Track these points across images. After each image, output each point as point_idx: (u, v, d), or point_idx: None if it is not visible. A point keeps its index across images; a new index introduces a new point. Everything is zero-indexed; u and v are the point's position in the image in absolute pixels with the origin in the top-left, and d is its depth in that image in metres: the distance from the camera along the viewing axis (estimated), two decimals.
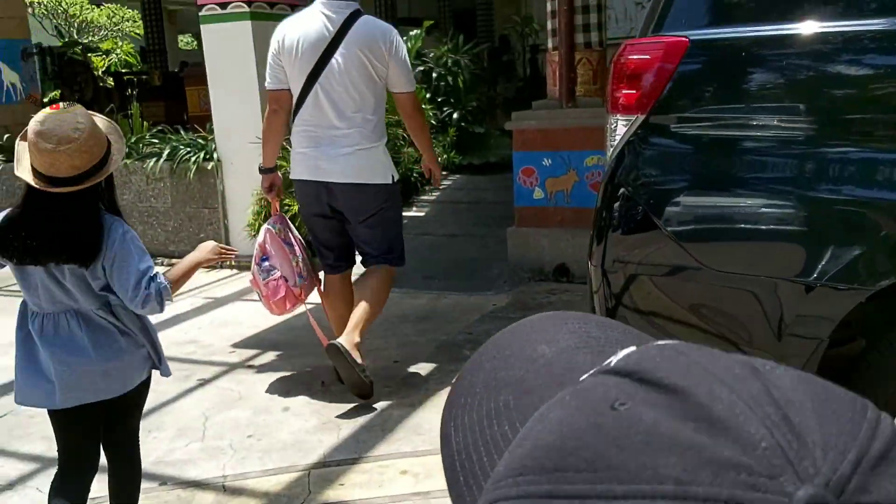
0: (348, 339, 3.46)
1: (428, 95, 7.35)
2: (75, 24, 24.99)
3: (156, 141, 7.18)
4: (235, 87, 6.39)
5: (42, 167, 1.98)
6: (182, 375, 4.19)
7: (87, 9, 24.87)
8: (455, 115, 7.60)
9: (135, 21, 24.06)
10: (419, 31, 7.77)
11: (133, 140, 7.21)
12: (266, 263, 3.67)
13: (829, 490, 0.27)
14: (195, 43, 27.60)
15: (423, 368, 4.02)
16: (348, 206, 3.62)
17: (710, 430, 0.29)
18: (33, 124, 1.99)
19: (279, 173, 4.05)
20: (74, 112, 2.02)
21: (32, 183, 2.01)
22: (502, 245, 5.69)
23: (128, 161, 6.85)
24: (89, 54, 23.29)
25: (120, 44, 24.80)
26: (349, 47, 3.43)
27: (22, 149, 2.06)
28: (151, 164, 6.67)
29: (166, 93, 14.04)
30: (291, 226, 3.88)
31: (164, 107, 13.85)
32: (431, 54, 7.87)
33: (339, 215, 3.68)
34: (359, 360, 3.44)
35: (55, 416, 2.22)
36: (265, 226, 3.81)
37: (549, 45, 5.46)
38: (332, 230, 3.77)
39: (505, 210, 6.68)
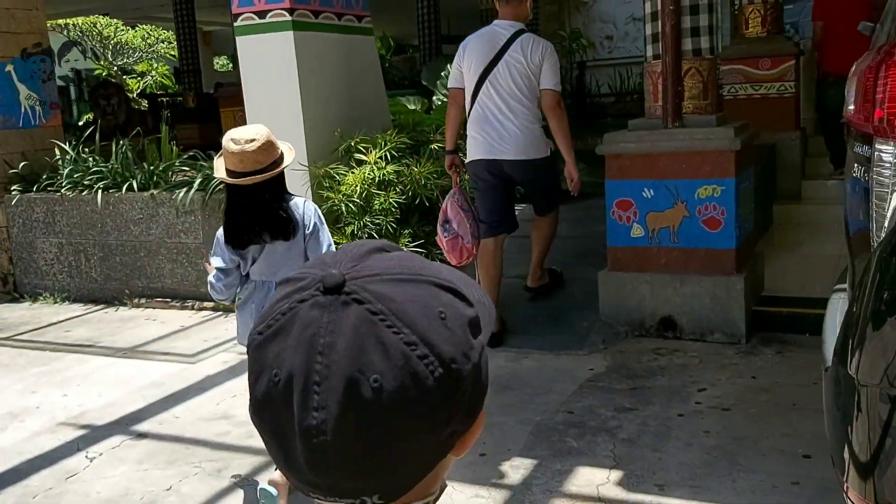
0: (531, 278, 5.07)
1: None
2: (110, 47, 24.69)
3: (186, 168, 6.39)
4: (276, 107, 5.58)
5: (233, 165, 2.62)
6: (213, 468, 3.32)
7: (122, 30, 24.54)
8: None
9: (170, 42, 23.61)
10: None
11: (161, 168, 6.44)
12: (447, 225, 4.50)
13: (342, 268, 0.65)
14: (231, 65, 27.13)
15: (519, 466, 3.10)
16: (518, 176, 4.60)
17: (333, 258, 0.68)
18: (226, 136, 2.65)
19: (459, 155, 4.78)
20: (255, 125, 2.72)
21: (226, 178, 2.65)
22: (589, 290, 4.78)
23: (154, 192, 6.08)
24: (124, 76, 22.92)
25: (155, 65, 24.41)
26: (513, 54, 4.41)
27: (218, 163, 2.73)
28: (181, 194, 5.87)
29: (200, 115, 13.44)
30: (467, 197, 4.64)
31: (197, 129, 13.26)
32: None
33: (506, 184, 4.62)
34: (545, 280, 5.12)
35: None
36: (448, 196, 4.60)
37: (649, 53, 4.57)
38: (498, 198, 4.63)
39: (584, 246, 5.77)
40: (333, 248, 2.70)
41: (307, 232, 2.78)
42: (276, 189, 2.74)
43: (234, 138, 2.62)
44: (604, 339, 4.47)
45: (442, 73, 6.90)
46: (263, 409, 0.65)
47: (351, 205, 5.21)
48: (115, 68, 23.85)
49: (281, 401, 0.63)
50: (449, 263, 4.39)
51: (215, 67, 25.14)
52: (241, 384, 4.31)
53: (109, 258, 6.32)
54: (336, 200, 5.25)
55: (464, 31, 15.18)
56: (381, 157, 5.42)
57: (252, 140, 2.60)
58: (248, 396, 0.69)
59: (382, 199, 5.24)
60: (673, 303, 4.44)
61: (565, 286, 5.25)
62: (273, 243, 2.74)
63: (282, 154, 2.73)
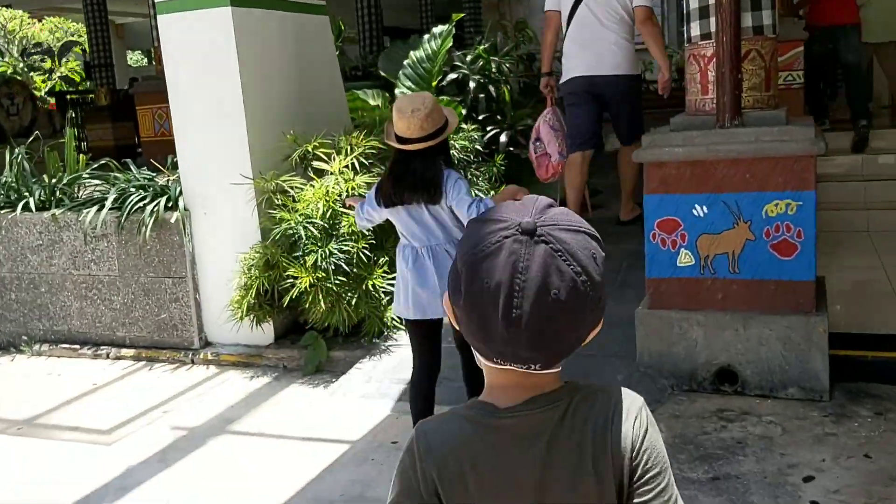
0: (624, 211, 5.32)
1: (464, 111, 5.48)
2: (16, 42, 22.85)
3: (97, 182, 5.18)
4: (210, 103, 4.46)
5: (400, 131, 2.83)
6: None
7: (28, 23, 22.71)
8: (503, 138, 5.72)
9: (80, 35, 21.87)
10: (447, 27, 5.90)
11: (66, 181, 5.22)
12: (538, 143, 4.72)
13: (533, 218, 0.99)
14: (145, 60, 25.34)
15: None
16: (610, 93, 4.88)
17: (522, 208, 1.03)
18: (395, 104, 2.88)
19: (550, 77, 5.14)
20: (422, 94, 3.02)
21: (395, 144, 2.87)
22: (621, 330, 3.78)
23: (57, 212, 4.86)
24: (31, 73, 21.08)
25: (64, 60, 22.62)
26: None
27: (389, 128, 2.91)
28: (90, 215, 4.68)
29: (115, 113, 12.08)
30: (559, 116, 4.84)
31: (111, 129, 11.96)
32: (468, 57, 5.96)
33: (598, 101, 4.94)
34: (638, 211, 5.04)
35: (407, 323, 3.09)
36: (541, 115, 4.81)
37: (694, 31, 3.62)
38: (589, 115, 4.95)
39: (608, 270, 4.78)
40: (476, 205, 2.80)
41: (448, 201, 2.86)
42: (438, 154, 2.89)
43: (402, 105, 2.83)
44: (647, 397, 3.49)
45: (405, 62, 5.86)
46: (476, 303, 0.99)
47: (311, 228, 4.12)
48: (22, 65, 21.99)
49: (490, 299, 0.97)
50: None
51: (129, 63, 23.46)
52: (176, 482, 3.19)
53: (2, 295, 5.08)
54: (292, 222, 4.15)
55: (400, 23, 14.16)
56: (346, 166, 4.35)
57: (417, 109, 2.78)
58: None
59: (352, 221, 4.17)
60: (733, 349, 3.50)
61: None
62: (421, 207, 2.88)
63: (446, 121, 2.91)
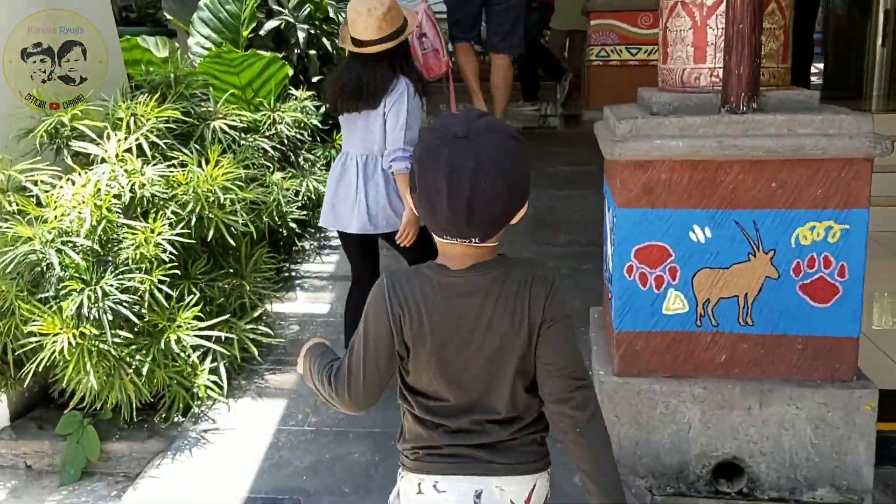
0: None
1: (290, 73, 3.99)
2: None
3: None
4: None
5: (356, 32, 2.70)
6: None
7: None
8: None
9: None
10: None
11: None
12: (424, 38, 4.31)
13: (467, 125, 1.29)
14: None
15: None
16: None
17: (458, 119, 1.33)
18: (350, 6, 2.72)
19: None
20: None
21: (351, 47, 2.75)
22: None
23: None
24: None
25: None
26: None
27: (344, 32, 2.79)
28: None
29: None
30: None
31: None
32: (291, 2, 4.37)
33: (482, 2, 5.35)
34: None
35: (339, 235, 2.99)
36: (422, 6, 4.25)
37: None
38: (474, 14, 5.36)
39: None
40: (404, 132, 2.69)
41: (385, 110, 2.73)
42: (395, 57, 2.74)
43: (357, 7, 2.68)
44: None
45: (201, 3, 4.25)
46: (426, 192, 1.28)
47: (71, 252, 2.50)
48: None
49: (435, 188, 1.25)
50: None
51: None
52: None
53: None
54: (37, 242, 2.51)
55: None
56: (129, 150, 2.76)
57: (375, 8, 2.65)
58: None
59: (140, 239, 2.59)
60: (743, 436, 2.41)
61: None
62: (354, 114, 2.76)
63: (405, 21, 2.76)
